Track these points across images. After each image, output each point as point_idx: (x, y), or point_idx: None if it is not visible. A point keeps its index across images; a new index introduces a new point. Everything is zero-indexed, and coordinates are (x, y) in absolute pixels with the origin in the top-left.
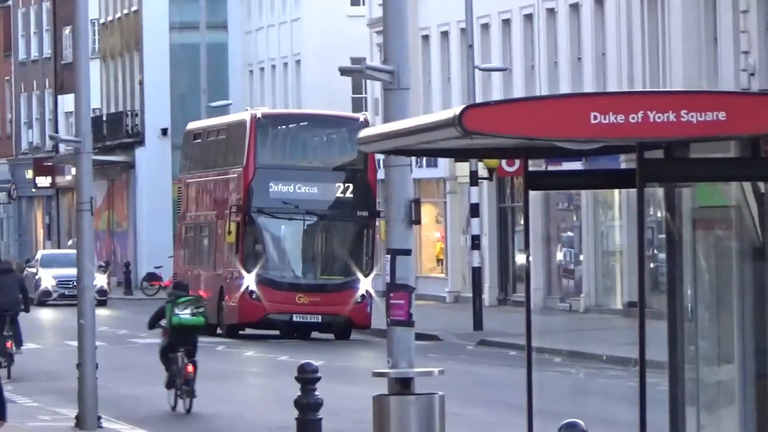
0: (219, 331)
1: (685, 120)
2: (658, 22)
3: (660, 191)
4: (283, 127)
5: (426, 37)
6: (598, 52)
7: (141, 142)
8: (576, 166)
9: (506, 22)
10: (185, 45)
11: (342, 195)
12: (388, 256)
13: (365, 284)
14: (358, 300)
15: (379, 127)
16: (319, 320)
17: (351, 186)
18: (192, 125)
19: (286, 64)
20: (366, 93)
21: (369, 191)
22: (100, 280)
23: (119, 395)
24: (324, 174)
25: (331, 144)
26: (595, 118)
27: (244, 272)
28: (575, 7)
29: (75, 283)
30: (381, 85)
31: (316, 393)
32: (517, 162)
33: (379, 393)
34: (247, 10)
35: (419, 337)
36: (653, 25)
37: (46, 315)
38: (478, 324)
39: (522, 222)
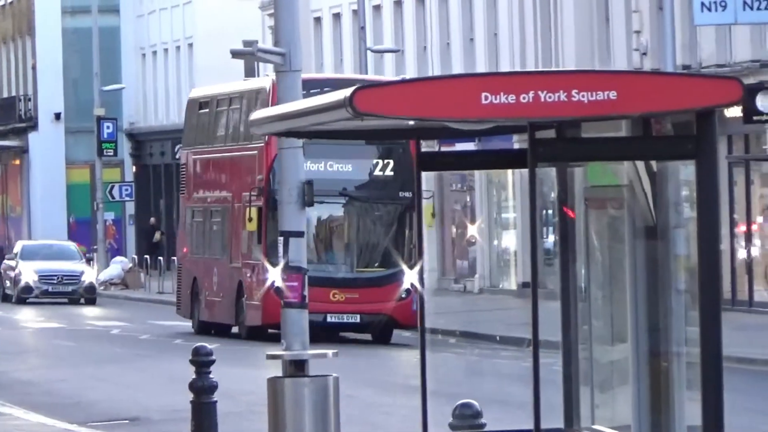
0: (235, 330)
1: (576, 99)
2: (550, 2)
3: (552, 171)
4: (313, 93)
5: (318, 19)
6: (490, 32)
7: (34, 127)
8: (470, 146)
9: (398, 4)
10: (78, 29)
11: (381, 173)
12: (281, 238)
13: (410, 277)
14: (402, 296)
15: (270, 109)
16: (358, 320)
17: (392, 163)
18: (197, 92)
19: (178, 48)
20: (258, 75)
21: (412, 169)
22: (89, 275)
23: (12, 380)
24: (361, 149)
25: None
26: (486, 98)
27: (268, 265)
28: None
29: (60, 278)
30: (273, 67)
31: (211, 376)
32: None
33: (274, 375)
34: None
35: None
36: (545, 4)
37: None
38: None
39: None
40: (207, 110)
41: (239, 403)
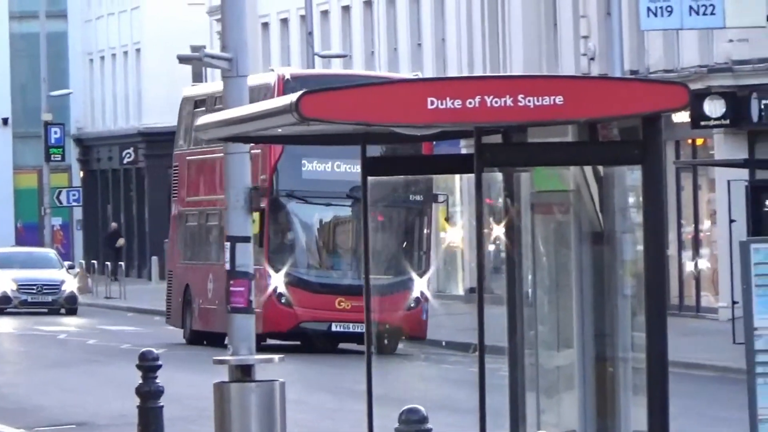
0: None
1: (523, 104)
2: (498, 7)
3: (499, 176)
4: (298, 89)
5: (266, 25)
6: (438, 37)
7: None
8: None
9: (346, 9)
10: (25, 34)
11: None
12: (228, 244)
13: (420, 285)
14: (412, 304)
15: (217, 114)
16: (364, 330)
17: None
18: (190, 91)
19: (126, 53)
20: (206, 81)
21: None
22: (70, 284)
23: None
24: (371, 149)
25: None
26: (432, 103)
27: (270, 271)
28: None
29: (40, 288)
30: (220, 72)
31: (158, 380)
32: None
33: (220, 380)
34: None
35: None
36: (493, 9)
37: None
38: None
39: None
40: (203, 108)
41: (187, 408)
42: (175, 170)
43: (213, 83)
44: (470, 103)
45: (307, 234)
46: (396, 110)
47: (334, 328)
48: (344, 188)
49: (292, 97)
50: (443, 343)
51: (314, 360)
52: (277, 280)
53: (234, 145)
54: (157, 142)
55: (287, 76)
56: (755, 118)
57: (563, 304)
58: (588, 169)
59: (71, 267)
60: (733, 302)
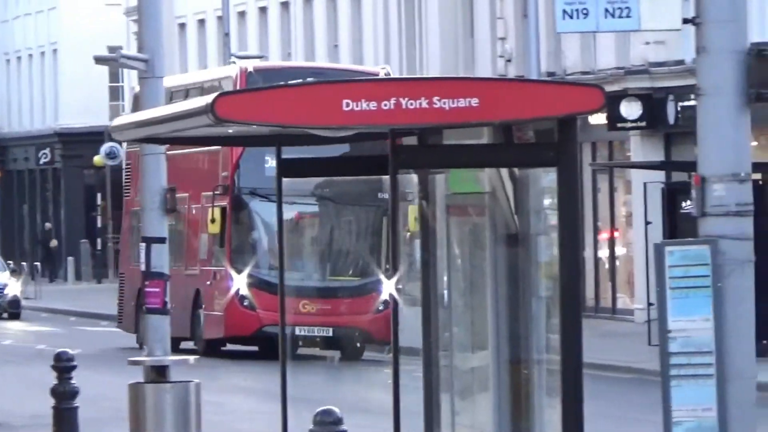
0: (186, 345)
1: (438, 106)
2: (415, 9)
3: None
4: (265, 82)
5: (183, 25)
6: (355, 39)
7: None
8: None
9: (263, 10)
10: None
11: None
12: (143, 244)
13: (388, 287)
14: (380, 308)
15: (132, 115)
16: (330, 334)
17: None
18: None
19: (43, 53)
20: (122, 82)
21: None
22: (13, 288)
23: None
24: (336, 147)
25: None
26: (348, 105)
27: (232, 272)
28: None
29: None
30: (137, 73)
31: (73, 381)
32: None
33: (135, 381)
34: None
35: None
36: (410, 11)
37: None
38: None
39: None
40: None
41: (103, 409)
42: (127, 168)
43: (170, 77)
44: (385, 105)
45: (270, 234)
46: (311, 112)
47: (298, 332)
48: (309, 186)
49: (208, 98)
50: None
51: (226, 360)
52: (239, 282)
53: (150, 146)
54: (74, 142)
55: (250, 69)
56: (671, 120)
57: (478, 306)
58: (503, 171)
59: (14, 270)
60: (649, 304)
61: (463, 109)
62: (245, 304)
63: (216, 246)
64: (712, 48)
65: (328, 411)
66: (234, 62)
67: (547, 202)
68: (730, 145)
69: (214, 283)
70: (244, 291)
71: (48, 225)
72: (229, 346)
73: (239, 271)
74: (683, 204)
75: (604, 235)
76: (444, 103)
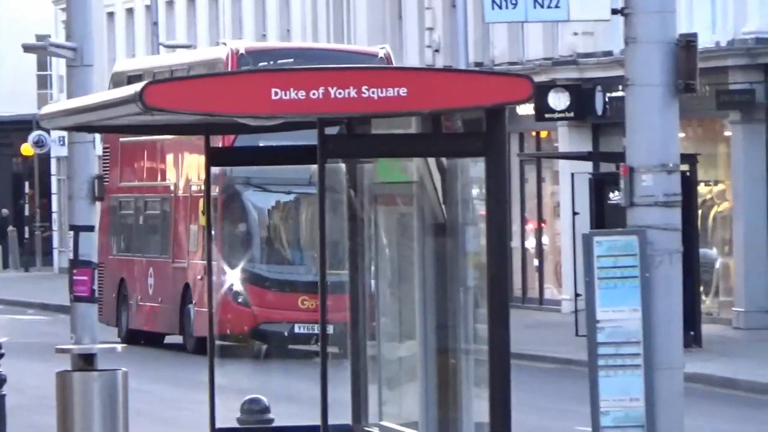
0: (170, 341)
1: (366, 96)
2: (343, 0)
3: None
4: (278, 65)
5: (111, 14)
6: (283, 28)
7: None
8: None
9: (191, 0)
10: None
11: None
12: (71, 232)
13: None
14: None
15: (61, 103)
16: (331, 331)
17: None
18: (123, 65)
19: None
20: (51, 70)
21: None
22: None
23: None
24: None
25: None
26: (276, 93)
27: (225, 267)
28: None
29: None
30: (65, 61)
31: (0, 369)
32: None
33: (62, 369)
34: None
35: None
36: (338, 1)
37: None
38: None
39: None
40: None
41: (30, 397)
42: (105, 153)
43: (154, 57)
44: (314, 94)
45: (265, 225)
46: (239, 101)
47: (297, 330)
48: (307, 174)
49: (136, 87)
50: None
51: (158, 350)
52: (233, 277)
53: (78, 134)
54: (1, 131)
55: (241, 51)
56: (599, 111)
57: (406, 296)
58: (431, 161)
59: None
60: (576, 295)
61: (391, 99)
62: (239, 300)
63: (206, 238)
64: (641, 39)
65: (255, 399)
66: (224, 43)
67: (475, 192)
68: (659, 136)
69: (204, 278)
70: (238, 287)
71: (5, 211)
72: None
73: (232, 266)
74: (611, 194)
75: (531, 226)
76: (372, 93)
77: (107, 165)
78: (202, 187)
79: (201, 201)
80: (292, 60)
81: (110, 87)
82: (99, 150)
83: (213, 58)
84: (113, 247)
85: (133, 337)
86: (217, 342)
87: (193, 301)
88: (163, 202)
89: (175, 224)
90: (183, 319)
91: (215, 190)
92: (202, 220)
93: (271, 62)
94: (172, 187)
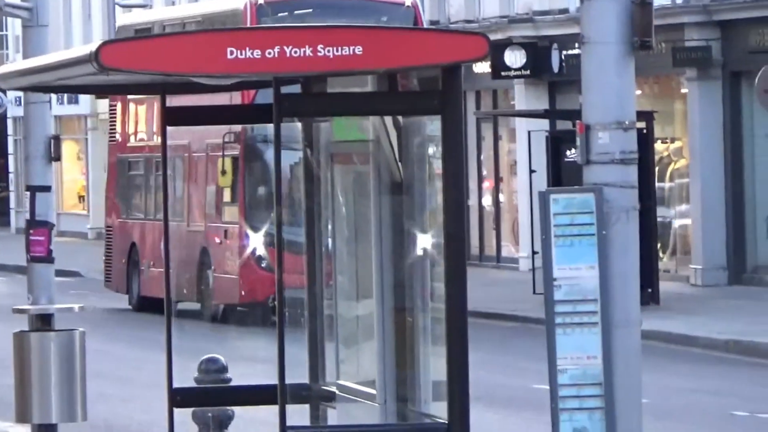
0: (183, 307)
1: (322, 54)
2: None
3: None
4: (299, 16)
5: None
6: None
7: None
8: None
9: None
10: None
11: None
12: (28, 193)
13: (423, 242)
14: None
15: (16, 64)
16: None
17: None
18: (130, 19)
19: None
20: (6, 30)
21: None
22: None
23: None
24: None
25: None
26: (232, 53)
27: (248, 230)
28: None
29: None
30: (21, 22)
31: None
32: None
33: (20, 329)
34: None
35: (60, 273)
36: None
37: None
38: None
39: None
40: None
41: None
42: (112, 111)
43: (161, 10)
44: (269, 53)
45: (290, 186)
46: (195, 60)
47: None
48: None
49: (91, 47)
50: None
51: (112, 308)
52: (256, 241)
53: (34, 95)
54: None
55: (260, 1)
56: (555, 68)
57: (363, 255)
58: (388, 119)
59: None
60: (533, 252)
61: (347, 57)
62: (263, 265)
63: (226, 200)
64: None
65: (213, 359)
66: None
67: (431, 150)
68: (615, 94)
69: (224, 242)
70: (262, 251)
71: None
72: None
73: (256, 230)
74: (567, 152)
75: (488, 184)
76: (328, 51)
77: (114, 123)
78: (222, 145)
79: (220, 160)
80: (310, 10)
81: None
82: (101, 107)
83: (230, 9)
84: (122, 210)
85: (146, 305)
86: (239, 308)
87: (212, 267)
88: (176, 161)
89: (188, 186)
90: (200, 285)
91: (237, 149)
92: (222, 181)
93: (290, 13)
94: (187, 146)
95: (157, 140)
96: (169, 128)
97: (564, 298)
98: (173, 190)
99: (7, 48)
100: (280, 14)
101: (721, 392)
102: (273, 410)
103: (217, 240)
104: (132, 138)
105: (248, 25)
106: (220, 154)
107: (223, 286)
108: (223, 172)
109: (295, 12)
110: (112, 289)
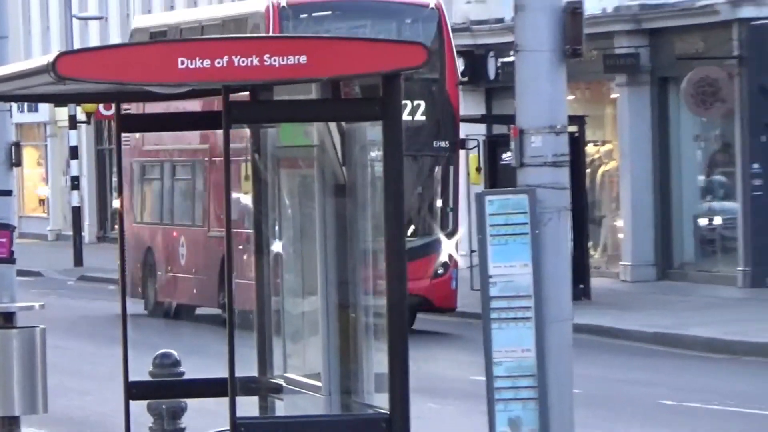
0: (202, 312)
1: (268, 64)
2: None
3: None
4: (320, 18)
5: None
6: (190, 3)
7: None
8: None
9: None
10: None
11: (410, 117)
12: None
13: (448, 248)
14: (439, 271)
15: None
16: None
17: (423, 105)
18: (144, 21)
19: None
20: None
21: (449, 111)
22: None
23: None
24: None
25: None
26: (183, 63)
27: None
28: None
29: None
30: None
31: None
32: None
33: None
34: None
35: (21, 273)
36: None
37: None
38: (78, 260)
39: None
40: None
41: None
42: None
43: (174, 12)
44: (218, 63)
45: None
46: (148, 70)
47: None
48: None
49: (49, 58)
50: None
51: (70, 306)
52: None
53: None
54: None
55: (282, 3)
56: (492, 75)
57: (308, 253)
58: (332, 125)
59: None
60: (471, 251)
61: (292, 66)
62: None
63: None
64: (529, 6)
65: (166, 354)
66: None
67: (373, 154)
68: (547, 99)
69: (246, 248)
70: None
71: None
72: None
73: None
74: (503, 155)
75: None
76: (274, 61)
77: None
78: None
79: (243, 166)
80: (330, 12)
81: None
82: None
83: (251, 12)
84: (137, 214)
85: (161, 311)
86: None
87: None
88: (196, 165)
89: (209, 191)
90: (221, 293)
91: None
92: (245, 185)
93: (311, 15)
94: (207, 150)
95: (171, 145)
96: (192, 133)
97: (499, 294)
98: (192, 196)
99: None
100: (301, 16)
101: (649, 382)
102: (224, 402)
103: (240, 246)
104: (146, 143)
105: (271, 28)
106: (243, 158)
107: (243, 291)
108: (246, 178)
109: (316, 14)
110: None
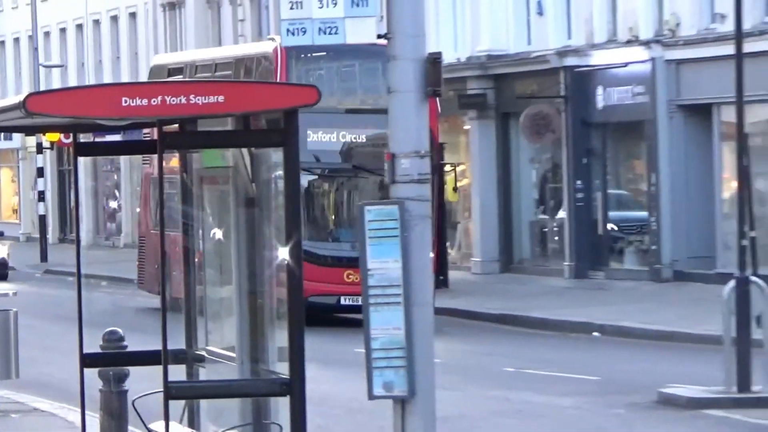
0: None
1: (193, 102)
2: (177, 28)
3: (177, 155)
4: (323, 58)
5: (2, 42)
6: (132, 51)
7: None
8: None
9: (63, 31)
10: None
11: None
12: None
13: (271, 243)
14: None
15: None
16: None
17: None
18: (163, 59)
19: None
20: None
21: (431, 142)
22: (1, 250)
23: None
24: (376, 118)
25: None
26: (125, 101)
27: (275, 244)
28: (114, 18)
29: None
30: None
31: None
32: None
33: None
34: None
35: None
36: (173, 29)
37: None
38: (44, 257)
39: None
40: (180, 78)
41: None
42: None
43: (193, 52)
44: (154, 101)
45: (313, 206)
46: (99, 107)
47: (343, 302)
48: (352, 160)
49: (21, 97)
50: (135, 280)
51: (38, 293)
52: (284, 254)
53: None
54: None
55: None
56: None
57: (225, 253)
58: (244, 150)
59: (0, 234)
60: None
61: (212, 104)
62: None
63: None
64: (400, 56)
65: (113, 331)
66: (273, 38)
67: (277, 173)
68: (414, 130)
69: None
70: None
71: None
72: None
73: (284, 243)
74: None
75: None
76: (198, 100)
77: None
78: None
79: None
80: (324, 53)
81: (149, 78)
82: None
83: (260, 53)
84: (153, 222)
85: (176, 306)
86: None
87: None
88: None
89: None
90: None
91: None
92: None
93: (325, 58)
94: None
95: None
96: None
97: (376, 284)
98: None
99: None
100: (302, 55)
101: (495, 354)
102: (159, 369)
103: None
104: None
105: (278, 66)
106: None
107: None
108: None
109: (313, 54)
110: (144, 290)
